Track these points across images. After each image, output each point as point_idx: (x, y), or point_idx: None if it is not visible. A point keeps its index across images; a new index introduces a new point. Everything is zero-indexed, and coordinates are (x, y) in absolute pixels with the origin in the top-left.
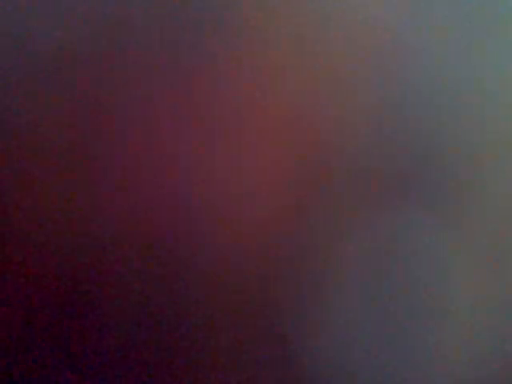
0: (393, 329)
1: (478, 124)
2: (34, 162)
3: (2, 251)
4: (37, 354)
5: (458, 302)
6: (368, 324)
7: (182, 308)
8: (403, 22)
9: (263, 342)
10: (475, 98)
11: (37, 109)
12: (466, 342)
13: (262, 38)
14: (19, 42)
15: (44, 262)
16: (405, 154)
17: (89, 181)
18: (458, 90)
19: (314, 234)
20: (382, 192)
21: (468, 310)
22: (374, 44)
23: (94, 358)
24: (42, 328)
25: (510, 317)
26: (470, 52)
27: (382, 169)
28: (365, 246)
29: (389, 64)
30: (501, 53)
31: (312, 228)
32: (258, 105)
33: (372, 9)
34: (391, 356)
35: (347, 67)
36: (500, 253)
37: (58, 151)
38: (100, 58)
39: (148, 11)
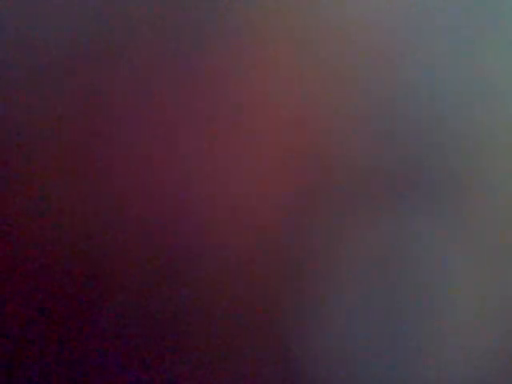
0: (393, 329)
1: (478, 124)
2: (34, 163)
3: (3, 252)
4: (36, 355)
5: (458, 302)
6: (368, 324)
7: (181, 308)
8: (403, 22)
9: (263, 343)
10: (475, 97)
11: (38, 109)
12: (467, 342)
13: (263, 40)
14: (20, 42)
15: (44, 262)
16: (405, 155)
17: (88, 181)
18: (458, 90)
19: (315, 234)
20: (383, 192)
21: (468, 310)
22: (374, 45)
23: (94, 358)
24: (42, 328)
25: (510, 317)
26: (470, 52)
27: (382, 169)
28: (365, 247)
29: (389, 65)
30: (501, 53)
31: (313, 228)
32: (258, 106)
33: (372, 9)
34: (391, 356)
35: (348, 68)
36: (500, 253)
37: (60, 151)
38: (100, 57)
39: (148, 11)
